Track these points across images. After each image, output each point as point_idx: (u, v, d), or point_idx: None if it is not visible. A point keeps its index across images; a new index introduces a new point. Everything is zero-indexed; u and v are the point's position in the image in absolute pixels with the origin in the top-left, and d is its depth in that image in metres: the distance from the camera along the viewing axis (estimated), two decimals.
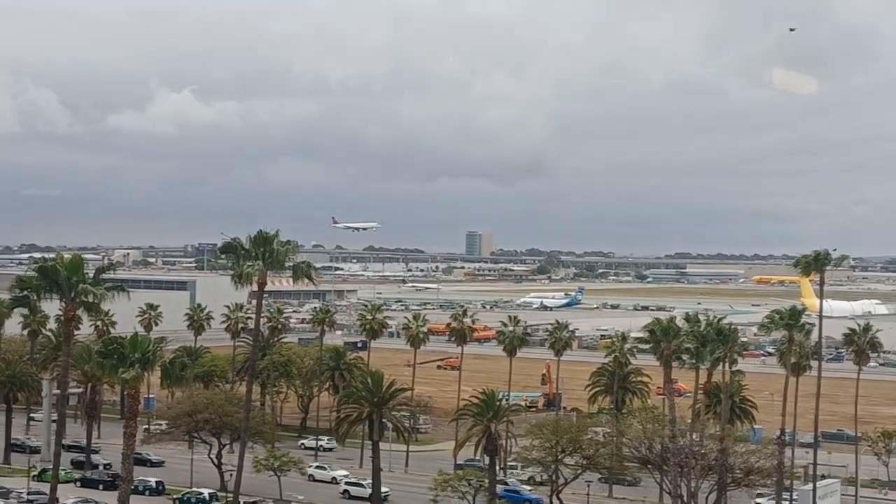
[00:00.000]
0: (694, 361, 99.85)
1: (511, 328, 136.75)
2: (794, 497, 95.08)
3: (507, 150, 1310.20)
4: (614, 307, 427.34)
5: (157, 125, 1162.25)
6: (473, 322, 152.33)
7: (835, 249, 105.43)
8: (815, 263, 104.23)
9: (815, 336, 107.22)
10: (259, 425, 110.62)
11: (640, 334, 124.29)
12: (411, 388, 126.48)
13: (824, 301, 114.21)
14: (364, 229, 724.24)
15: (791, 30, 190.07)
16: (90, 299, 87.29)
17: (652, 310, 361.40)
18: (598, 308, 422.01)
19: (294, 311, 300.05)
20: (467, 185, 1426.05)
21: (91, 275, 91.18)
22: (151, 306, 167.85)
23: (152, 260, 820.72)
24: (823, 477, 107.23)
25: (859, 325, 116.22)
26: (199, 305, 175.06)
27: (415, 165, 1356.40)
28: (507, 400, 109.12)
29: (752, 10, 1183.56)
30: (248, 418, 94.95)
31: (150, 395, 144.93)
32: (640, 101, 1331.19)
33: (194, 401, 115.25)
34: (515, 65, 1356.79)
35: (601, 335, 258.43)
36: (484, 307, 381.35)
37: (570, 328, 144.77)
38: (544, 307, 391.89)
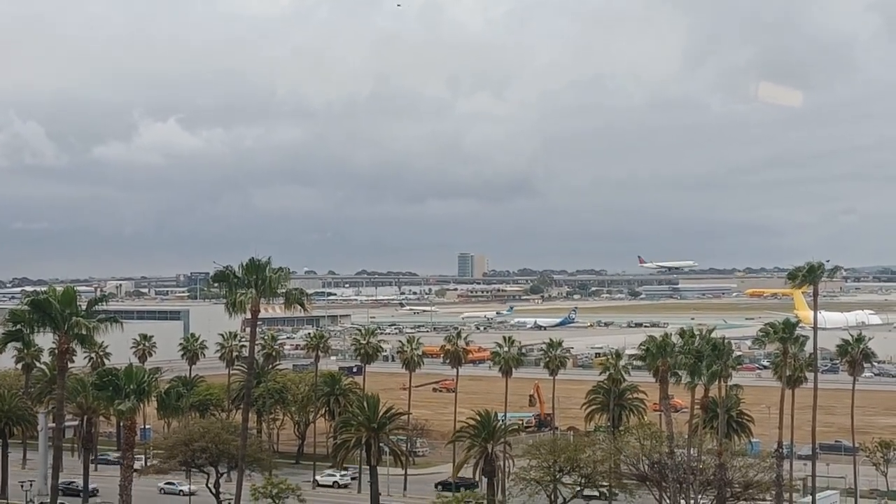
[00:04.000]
0: (689, 377, 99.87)
1: (506, 349, 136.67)
2: None
3: (494, 170, 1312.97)
4: (608, 325, 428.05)
5: (143, 155, 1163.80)
6: (468, 344, 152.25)
7: (827, 261, 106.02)
8: (808, 275, 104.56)
9: (809, 348, 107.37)
10: (256, 453, 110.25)
11: (635, 351, 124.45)
12: (407, 412, 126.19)
13: (818, 313, 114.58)
14: (676, 269, 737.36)
15: (398, 5, 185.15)
16: (83, 332, 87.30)
17: (646, 326, 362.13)
18: (591, 326, 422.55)
19: (288, 338, 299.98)
20: (457, 205, 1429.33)
21: (84, 307, 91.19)
22: (145, 337, 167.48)
23: (145, 290, 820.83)
24: (823, 489, 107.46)
25: (852, 336, 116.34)
26: (193, 335, 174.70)
27: (403, 187, 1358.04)
28: (503, 421, 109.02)
29: (730, 24, 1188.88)
30: (244, 446, 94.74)
31: (147, 426, 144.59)
32: (624, 116, 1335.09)
33: (190, 430, 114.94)
34: (499, 84, 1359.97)
35: (595, 353, 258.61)
36: (478, 328, 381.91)
37: (565, 347, 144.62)
38: (538, 327, 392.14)
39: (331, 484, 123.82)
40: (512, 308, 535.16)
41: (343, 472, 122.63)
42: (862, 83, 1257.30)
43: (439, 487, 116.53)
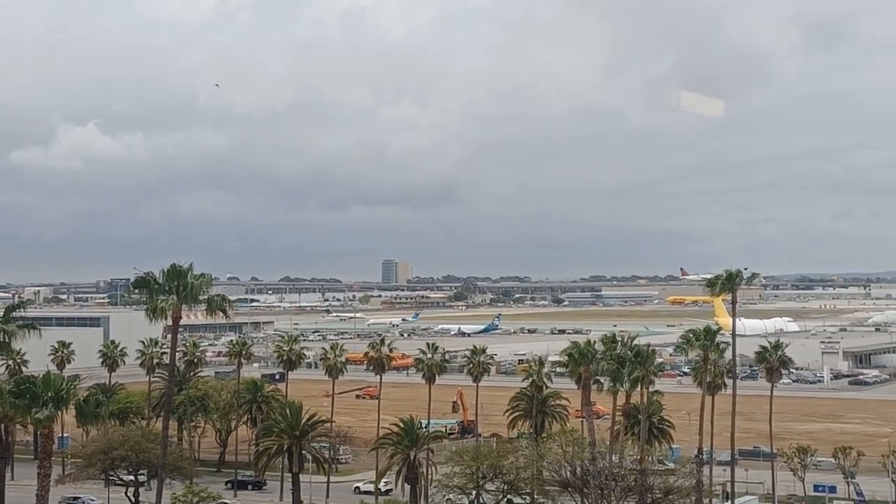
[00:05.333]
0: (611, 383, 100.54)
1: (429, 355, 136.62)
2: None
3: (419, 177, 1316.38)
4: (532, 331, 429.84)
5: (62, 160, 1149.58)
6: (391, 351, 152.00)
7: (746, 268, 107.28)
8: (727, 283, 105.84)
9: (729, 355, 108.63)
10: (177, 461, 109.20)
11: (558, 358, 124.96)
12: (330, 419, 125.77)
13: (737, 320, 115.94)
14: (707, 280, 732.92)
15: (216, 85, 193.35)
16: (0, 338, 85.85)
17: (569, 333, 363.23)
18: (515, 333, 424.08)
19: (210, 345, 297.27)
20: (382, 212, 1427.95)
21: (1, 313, 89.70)
22: (64, 344, 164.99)
23: (64, 297, 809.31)
24: (742, 494, 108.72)
25: (770, 343, 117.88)
26: (112, 341, 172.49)
27: (327, 194, 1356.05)
28: (426, 427, 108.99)
29: (651, 34, 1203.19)
30: (165, 454, 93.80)
31: (65, 434, 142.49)
32: (547, 124, 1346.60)
33: (110, 438, 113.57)
34: (423, 91, 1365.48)
35: (519, 360, 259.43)
36: (402, 335, 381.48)
37: (488, 353, 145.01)
38: (462, 333, 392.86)
39: (247, 486, 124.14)
40: (417, 315, 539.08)
41: (254, 473, 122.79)
42: (780, 94, 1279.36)
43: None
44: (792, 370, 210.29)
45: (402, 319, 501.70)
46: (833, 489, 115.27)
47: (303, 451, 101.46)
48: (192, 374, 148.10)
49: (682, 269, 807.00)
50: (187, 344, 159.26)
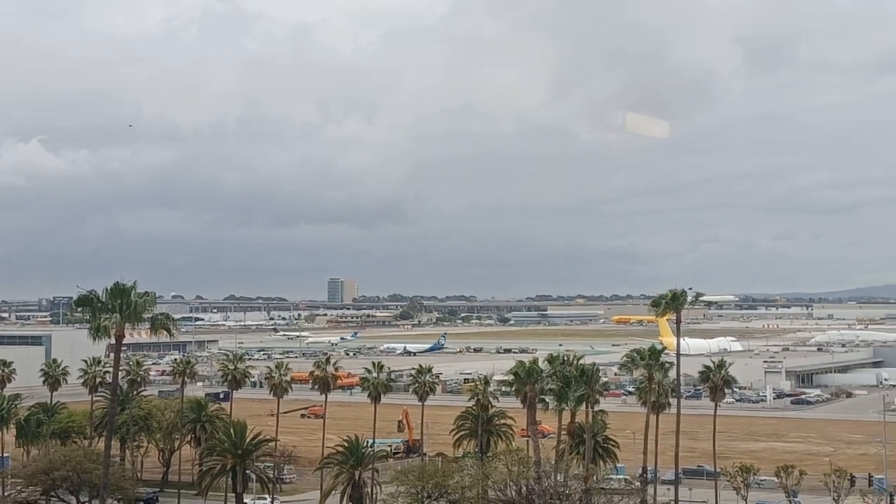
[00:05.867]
0: (557, 402, 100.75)
1: (375, 374, 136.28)
2: None
3: (366, 195, 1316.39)
4: (477, 350, 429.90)
5: (4, 176, 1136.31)
6: (337, 370, 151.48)
7: (690, 288, 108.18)
8: (671, 303, 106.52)
9: (673, 374, 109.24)
10: (119, 481, 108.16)
11: (504, 377, 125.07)
12: (275, 438, 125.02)
13: (681, 339, 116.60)
14: (716, 303, 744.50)
15: (130, 126, 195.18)
16: None
17: (515, 352, 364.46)
18: (461, 352, 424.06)
19: (154, 364, 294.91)
20: (328, 230, 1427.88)
21: None
22: (4, 363, 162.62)
23: (5, 315, 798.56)
24: None
25: (714, 363, 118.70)
26: (54, 360, 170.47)
27: (273, 212, 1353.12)
28: (371, 447, 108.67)
29: (596, 54, 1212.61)
30: (107, 474, 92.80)
31: (5, 454, 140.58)
32: (493, 143, 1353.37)
33: (51, 458, 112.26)
34: (370, 109, 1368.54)
35: (465, 379, 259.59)
36: (347, 354, 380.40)
37: (434, 372, 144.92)
38: (408, 352, 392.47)
39: None
40: (356, 333, 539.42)
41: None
42: (725, 115, 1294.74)
43: None
44: (735, 389, 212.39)
45: (341, 338, 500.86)
46: None
47: (247, 471, 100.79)
48: (135, 393, 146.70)
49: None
50: (131, 363, 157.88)
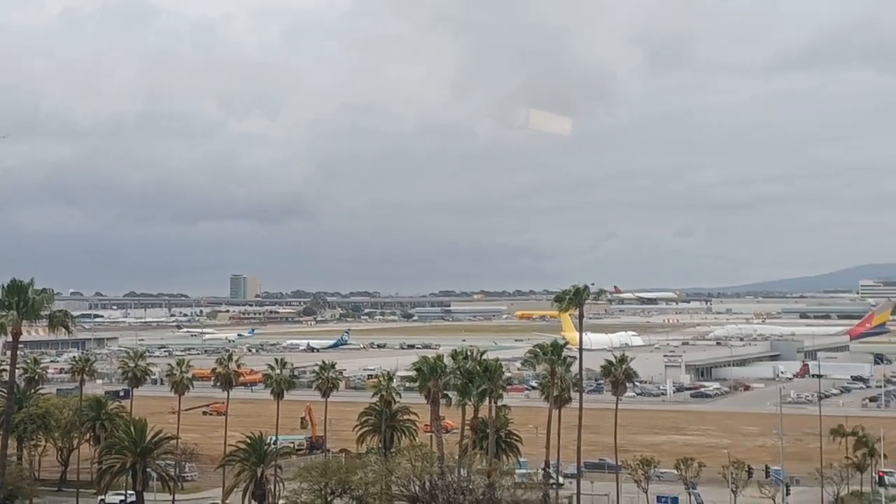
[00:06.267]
0: (460, 398, 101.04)
1: (277, 371, 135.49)
2: None
3: (270, 191, 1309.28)
4: (381, 346, 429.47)
5: None
6: (239, 366, 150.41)
7: (592, 284, 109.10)
8: (574, 298, 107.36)
9: (575, 369, 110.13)
10: (16, 481, 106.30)
11: (407, 372, 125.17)
12: (176, 436, 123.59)
13: (583, 334, 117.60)
14: (657, 300, 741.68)
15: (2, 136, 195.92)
16: None
17: (418, 348, 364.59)
18: (365, 348, 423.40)
19: (52, 361, 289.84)
20: (230, 226, 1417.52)
21: None
22: None
23: None
24: None
25: (616, 357, 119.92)
26: None
27: (175, 208, 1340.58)
28: (274, 443, 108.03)
29: (498, 52, 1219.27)
30: (3, 474, 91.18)
31: None
32: (397, 141, 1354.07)
33: None
34: (273, 105, 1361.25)
35: (368, 374, 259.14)
36: (250, 350, 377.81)
37: (337, 369, 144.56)
38: (311, 349, 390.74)
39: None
40: (253, 330, 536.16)
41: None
42: (625, 113, 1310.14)
43: None
44: (636, 383, 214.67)
45: (238, 335, 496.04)
46: (675, 500, 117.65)
47: (147, 469, 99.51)
48: (32, 391, 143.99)
49: (615, 286, 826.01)
50: (28, 360, 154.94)
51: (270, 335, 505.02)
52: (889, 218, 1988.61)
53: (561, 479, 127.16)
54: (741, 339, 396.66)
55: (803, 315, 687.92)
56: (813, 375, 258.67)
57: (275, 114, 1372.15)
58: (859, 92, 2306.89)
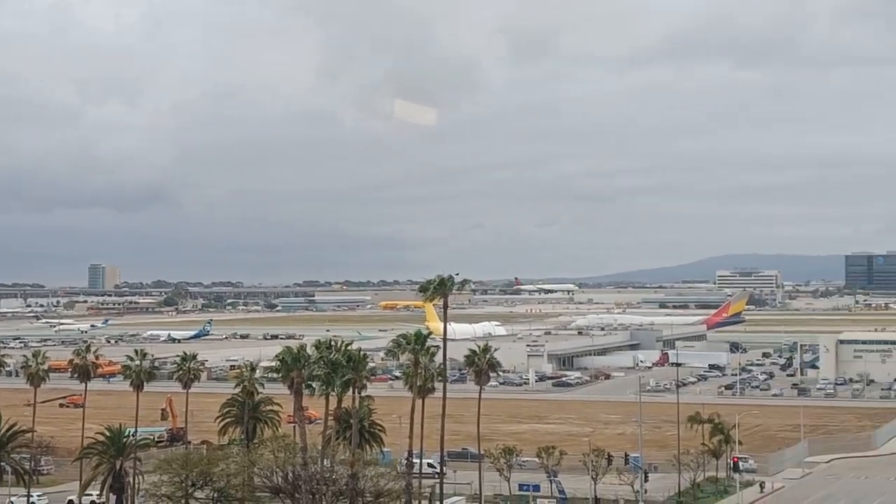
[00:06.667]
0: (324, 388, 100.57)
1: (137, 362, 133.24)
2: None
3: (130, 179, 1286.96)
4: (244, 337, 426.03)
5: None
6: (97, 358, 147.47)
7: (457, 274, 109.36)
8: (438, 288, 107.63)
9: (439, 358, 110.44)
10: None
11: (270, 363, 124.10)
12: (32, 429, 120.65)
13: (448, 324, 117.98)
14: (550, 291, 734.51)
15: None
16: None
17: (282, 338, 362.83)
18: (227, 338, 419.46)
19: None
20: (89, 215, 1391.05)
21: None
22: None
23: None
24: (450, 496, 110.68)
25: (479, 347, 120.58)
26: None
27: (29, 195, 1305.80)
28: (134, 436, 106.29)
29: (363, 40, 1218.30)
30: None
31: None
32: (261, 128, 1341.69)
33: None
34: (133, 91, 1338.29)
35: (231, 365, 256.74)
36: (109, 341, 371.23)
37: (199, 359, 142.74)
38: (172, 339, 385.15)
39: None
40: (107, 320, 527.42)
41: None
42: (490, 104, 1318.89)
43: None
44: (500, 373, 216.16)
45: (92, 326, 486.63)
46: (537, 488, 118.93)
47: (1, 463, 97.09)
48: None
49: (516, 277, 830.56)
50: None
51: (130, 326, 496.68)
52: (745, 209, 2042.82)
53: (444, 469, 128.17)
54: (602, 329, 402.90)
55: (662, 305, 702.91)
56: (672, 364, 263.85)
57: (135, 100, 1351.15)
58: (716, 86, 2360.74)
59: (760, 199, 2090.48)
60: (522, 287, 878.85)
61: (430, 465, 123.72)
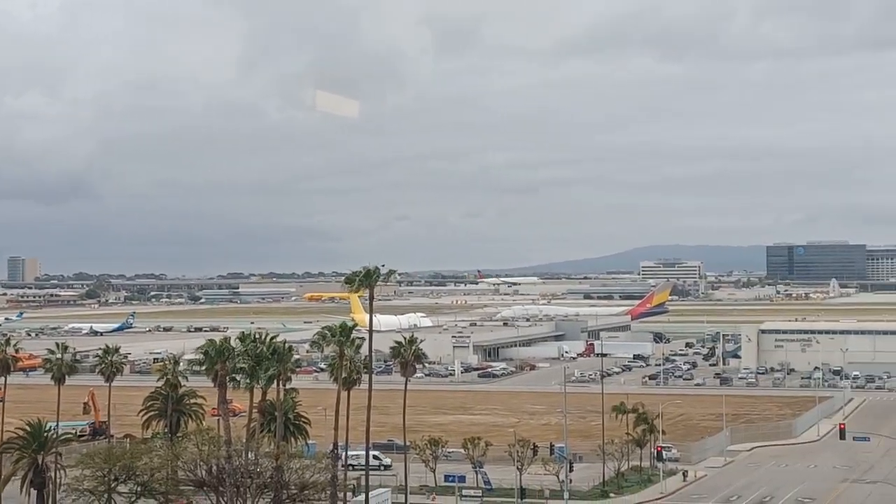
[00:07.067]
0: (248, 381, 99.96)
1: (58, 355, 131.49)
2: None
3: (50, 171, 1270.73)
4: (167, 330, 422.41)
5: None
6: (17, 351, 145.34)
7: (383, 265, 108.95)
8: (364, 280, 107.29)
9: (365, 350, 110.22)
10: None
11: (194, 356, 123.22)
12: None
13: (373, 316, 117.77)
14: (516, 283, 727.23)
15: None
16: None
17: (206, 331, 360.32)
18: (150, 331, 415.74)
19: None
20: (7, 207, 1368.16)
21: None
22: None
23: None
24: (375, 487, 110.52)
25: (405, 339, 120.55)
26: None
27: None
28: (55, 430, 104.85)
29: (286, 31, 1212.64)
30: None
31: None
32: (184, 120, 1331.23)
33: None
34: (52, 81, 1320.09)
35: (154, 358, 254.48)
36: (29, 335, 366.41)
37: (122, 352, 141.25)
38: (94, 332, 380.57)
39: None
40: (21, 313, 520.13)
41: None
42: (414, 96, 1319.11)
43: None
44: (425, 364, 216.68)
45: (6, 319, 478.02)
46: (462, 478, 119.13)
47: None
48: None
49: (478, 271, 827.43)
50: None
51: (51, 319, 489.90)
52: (669, 201, 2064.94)
53: (387, 461, 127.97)
54: (527, 320, 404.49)
55: (587, 296, 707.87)
56: (597, 354, 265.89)
57: (56, 90, 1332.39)
58: (641, 79, 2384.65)
59: (683, 191, 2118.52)
60: (485, 280, 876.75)
61: (375, 458, 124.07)
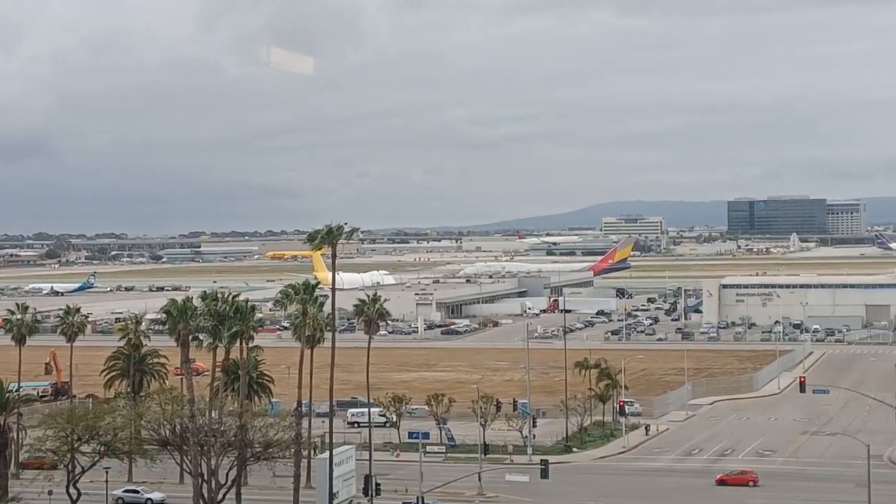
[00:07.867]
0: (211, 340, 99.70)
1: (19, 316, 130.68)
2: (313, 466, 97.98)
3: (6, 129, 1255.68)
4: (129, 289, 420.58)
5: None
6: None
7: (346, 223, 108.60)
8: (326, 237, 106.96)
9: (328, 308, 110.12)
10: None
11: (156, 315, 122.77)
12: None
13: (336, 274, 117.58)
14: (556, 244, 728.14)
15: None
16: None
17: (168, 290, 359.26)
18: (112, 291, 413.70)
19: None
20: None
21: None
22: None
23: None
24: (340, 444, 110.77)
25: (369, 296, 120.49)
26: None
27: None
28: (16, 391, 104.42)
29: None
30: None
31: None
32: (142, 77, 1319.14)
33: None
34: (8, 38, 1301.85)
35: (116, 318, 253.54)
36: None
37: (83, 313, 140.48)
38: (55, 293, 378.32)
39: None
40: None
41: None
42: (373, 51, 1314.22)
43: None
44: (389, 322, 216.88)
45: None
46: (427, 435, 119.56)
47: None
48: None
49: (518, 232, 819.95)
50: None
51: (12, 279, 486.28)
52: (630, 156, 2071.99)
53: (394, 418, 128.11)
54: (490, 277, 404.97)
55: (549, 252, 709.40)
56: (561, 311, 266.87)
57: (12, 48, 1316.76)
58: (599, 33, 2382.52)
59: (644, 146, 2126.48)
60: (526, 240, 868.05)
61: (382, 416, 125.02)
